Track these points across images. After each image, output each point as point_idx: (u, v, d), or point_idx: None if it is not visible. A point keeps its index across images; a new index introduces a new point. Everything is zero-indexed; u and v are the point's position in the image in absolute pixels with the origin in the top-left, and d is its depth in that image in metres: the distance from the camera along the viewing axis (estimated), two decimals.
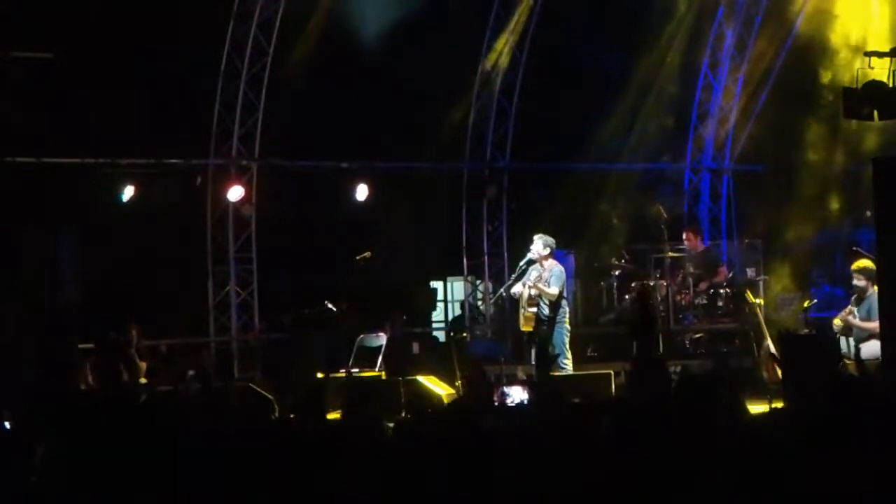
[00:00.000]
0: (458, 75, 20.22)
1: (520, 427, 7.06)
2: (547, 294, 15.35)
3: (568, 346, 15.50)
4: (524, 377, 15.85)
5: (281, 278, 18.96)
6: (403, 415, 13.06)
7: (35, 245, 16.09)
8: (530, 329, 15.56)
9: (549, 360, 15.34)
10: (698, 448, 5.56)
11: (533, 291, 15.33)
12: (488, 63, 20.23)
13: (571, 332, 15.82)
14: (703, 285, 18.72)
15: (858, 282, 14.40)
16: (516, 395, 14.63)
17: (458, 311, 21.52)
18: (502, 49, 20.23)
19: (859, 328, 14.16)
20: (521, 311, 15.67)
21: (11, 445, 7.04)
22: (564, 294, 15.68)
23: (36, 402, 10.72)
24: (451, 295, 21.58)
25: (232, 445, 6.56)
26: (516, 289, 15.78)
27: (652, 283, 18.75)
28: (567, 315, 15.67)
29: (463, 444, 6.03)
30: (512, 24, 20.10)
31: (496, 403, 13.43)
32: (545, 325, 15.42)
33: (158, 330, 17.33)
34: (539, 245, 15.64)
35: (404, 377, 15.80)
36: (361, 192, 19.12)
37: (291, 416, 9.16)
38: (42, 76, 16.46)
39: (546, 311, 15.41)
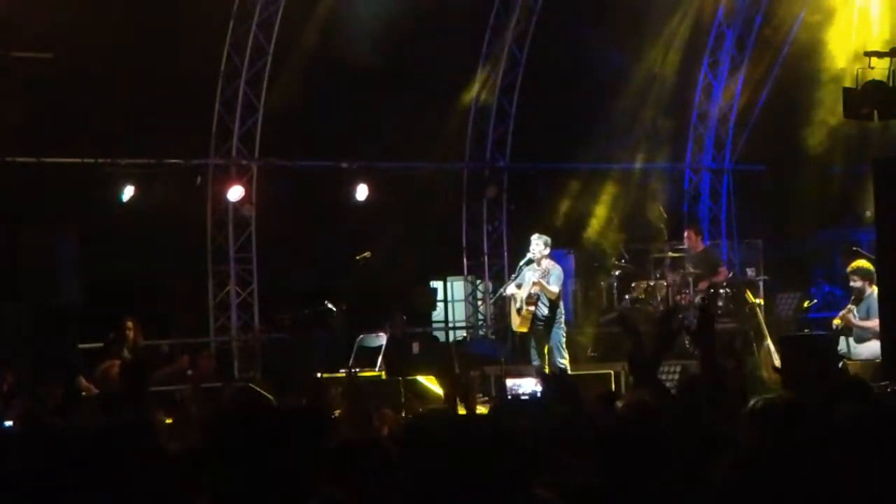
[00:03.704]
0: (458, 74, 20.21)
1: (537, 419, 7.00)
2: (548, 292, 15.31)
3: (565, 346, 15.51)
4: (532, 371, 15.76)
5: (281, 278, 18.96)
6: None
7: (35, 245, 16.09)
8: (525, 330, 15.52)
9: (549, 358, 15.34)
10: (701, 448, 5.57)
11: (534, 289, 15.30)
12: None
13: (569, 332, 15.81)
14: (702, 285, 18.69)
15: (854, 283, 14.42)
16: (527, 386, 14.48)
17: (458, 311, 21.52)
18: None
19: (859, 328, 14.17)
20: (517, 311, 15.58)
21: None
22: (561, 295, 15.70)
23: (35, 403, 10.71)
24: (451, 295, 21.57)
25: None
26: (510, 290, 15.74)
27: (652, 284, 18.74)
28: (563, 316, 15.68)
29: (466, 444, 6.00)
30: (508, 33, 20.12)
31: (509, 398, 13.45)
32: (541, 325, 15.41)
33: (158, 330, 17.32)
34: (539, 244, 15.62)
35: (404, 377, 15.81)
36: (361, 192, 19.11)
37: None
38: (42, 76, 16.45)
39: (544, 310, 15.40)
